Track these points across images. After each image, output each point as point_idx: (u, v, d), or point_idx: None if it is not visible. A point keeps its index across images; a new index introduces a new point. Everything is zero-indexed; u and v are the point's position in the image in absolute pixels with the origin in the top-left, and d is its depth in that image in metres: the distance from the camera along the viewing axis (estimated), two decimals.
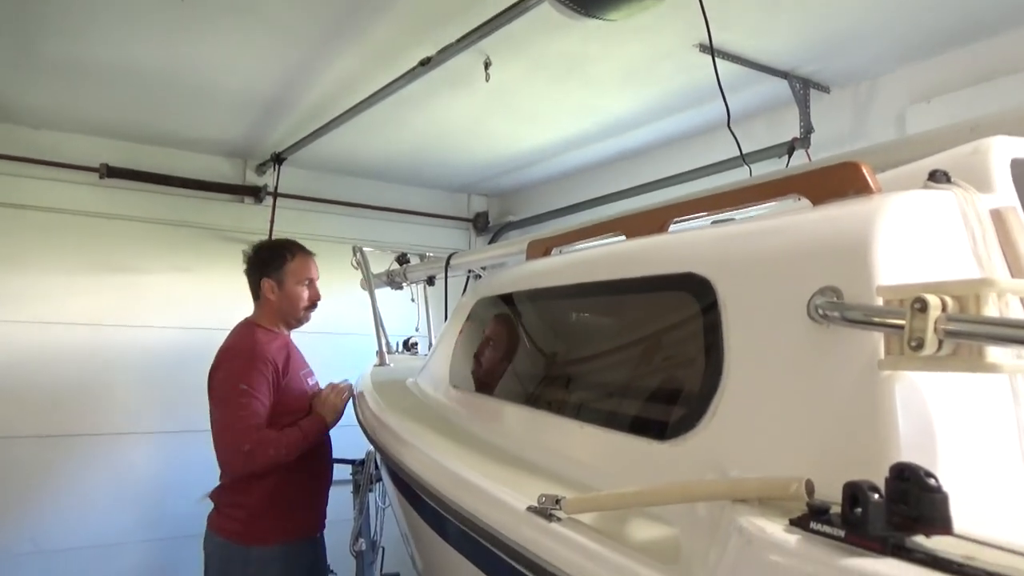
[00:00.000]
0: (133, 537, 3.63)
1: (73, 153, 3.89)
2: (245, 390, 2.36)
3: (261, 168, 4.36)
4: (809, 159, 3.03)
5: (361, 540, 3.69)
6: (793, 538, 0.87)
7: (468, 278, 3.37)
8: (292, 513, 2.50)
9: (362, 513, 3.73)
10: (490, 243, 5.10)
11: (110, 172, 3.93)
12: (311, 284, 2.70)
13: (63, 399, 3.80)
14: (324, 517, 2.67)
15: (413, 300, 3.62)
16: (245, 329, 2.59)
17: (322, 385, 2.82)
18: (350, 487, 3.91)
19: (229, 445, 2.36)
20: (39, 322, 3.77)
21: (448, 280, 3.22)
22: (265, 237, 4.30)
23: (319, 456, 2.70)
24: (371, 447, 3.44)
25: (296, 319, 2.68)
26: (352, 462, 3.87)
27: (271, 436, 2.43)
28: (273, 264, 2.64)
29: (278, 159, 4.16)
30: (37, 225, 3.82)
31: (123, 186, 4.01)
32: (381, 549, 3.73)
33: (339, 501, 4.05)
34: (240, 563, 2.40)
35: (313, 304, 2.71)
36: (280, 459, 2.43)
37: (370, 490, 3.73)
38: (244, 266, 2.71)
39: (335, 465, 3.85)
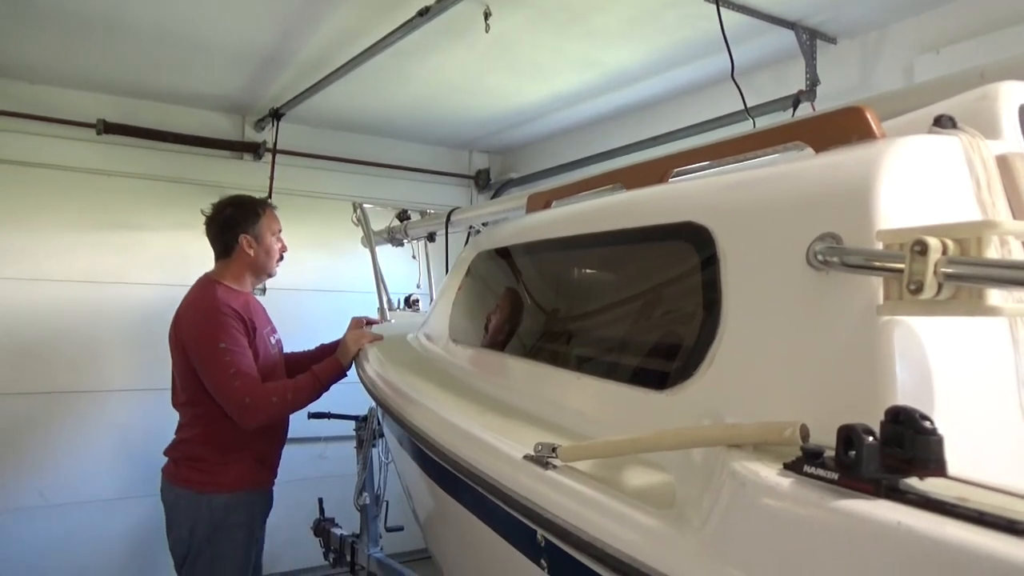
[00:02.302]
0: (135, 492, 3.68)
1: (70, 109, 3.84)
2: (225, 348, 2.37)
3: (260, 124, 4.32)
4: (815, 112, 2.98)
5: (365, 495, 3.75)
6: (786, 481, 0.88)
7: (469, 234, 3.36)
8: (247, 465, 2.53)
9: (365, 468, 3.78)
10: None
11: (107, 128, 3.89)
12: (279, 236, 2.74)
13: (64, 356, 3.82)
14: (276, 471, 2.71)
15: (414, 257, 3.61)
16: (208, 287, 2.57)
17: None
18: (353, 443, 3.96)
19: (229, 402, 2.39)
20: (38, 279, 3.76)
21: (449, 236, 3.20)
22: (264, 194, 4.28)
23: None
24: (373, 403, 3.49)
25: (269, 272, 2.73)
26: (355, 418, 3.91)
27: (271, 385, 2.45)
28: (250, 219, 2.65)
29: (276, 115, 4.11)
30: (35, 182, 3.80)
31: (121, 142, 3.97)
32: (385, 503, 3.78)
33: (343, 456, 4.11)
34: (204, 508, 2.44)
35: (281, 256, 2.75)
36: (287, 405, 2.46)
37: (373, 446, 3.77)
38: (210, 224, 2.67)
39: (339, 421, 3.92)
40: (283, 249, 2.75)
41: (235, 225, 2.63)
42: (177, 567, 2.55)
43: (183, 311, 2.56)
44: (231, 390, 2.36)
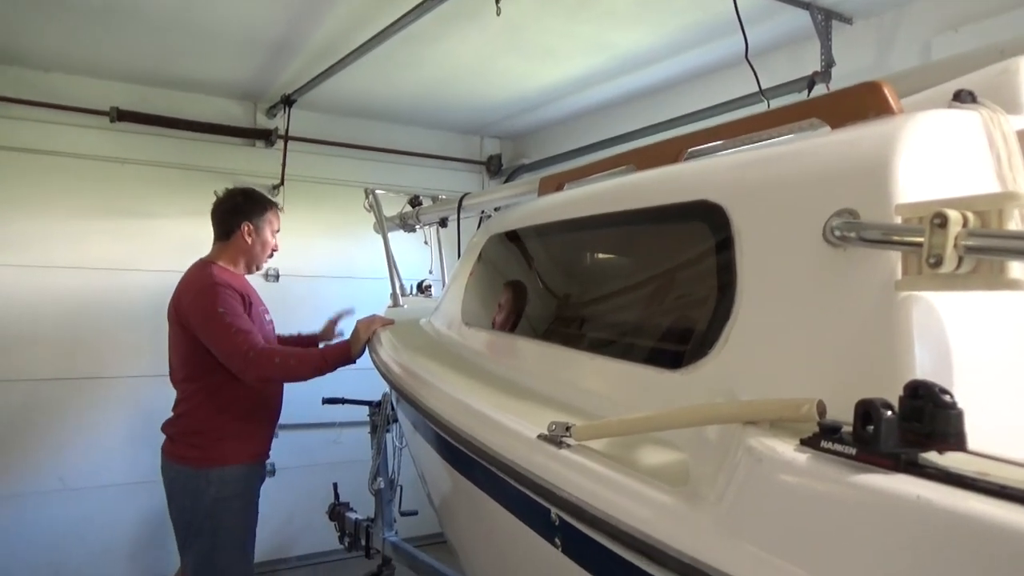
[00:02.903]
0: (153, 476, 3.68)
1: (83, 96, 3.86)
2: (223, 312, 2.48)
3: (272, 111, 4.32)
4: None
5: (379, 479, 3.77)
6: (803, 457, 0.87)
7: (481, 220, 3.35)
8: (241, 439, 2.60)
9: (380, 453, 3.80)
10: None
11: (120, 116, 3.90)
12: (276, 236, 2.87)
13: (81, 343, 3.86)
14: (269, 444, 2.79)
15: (426, 243, 3.60)
16: (205, 267, 2.68)
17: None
18: (367, 428, 3.98)
19: (233, 357, 2.47)
20: (53, 266, 3.79)
21: (461, 222, 3.19)
22: (277, 181, 4.30)
23: (268, 390, 2.78)
24: (387, 389, 3.50)
25: (258, 264, 2.82)
26: (369, 404, 3.93)
27: (276, 347, 2.56)
28: (256, 211, 2.77)
29: (288, 101, 4.11)
30: (49, 169, 3.82)
31: (134, 130, 3.99)
32: (399, 488, 3.80)
33: (357, 441, 4.14)
34: (202, 483, 2.51)
35: (272, 254, 2.87)
36: (288, 369, 2.50)
37: (387, 431, 3.79)
38: (218, 206, 2.79)
39: (353, 407, 3.94)
40: (275, 248, 2.86)
41: (241, 212, 2.74)
42: (179, 541, 2.61)
43: (182, 289, 2.66)
44: (234, 345, 2.45)
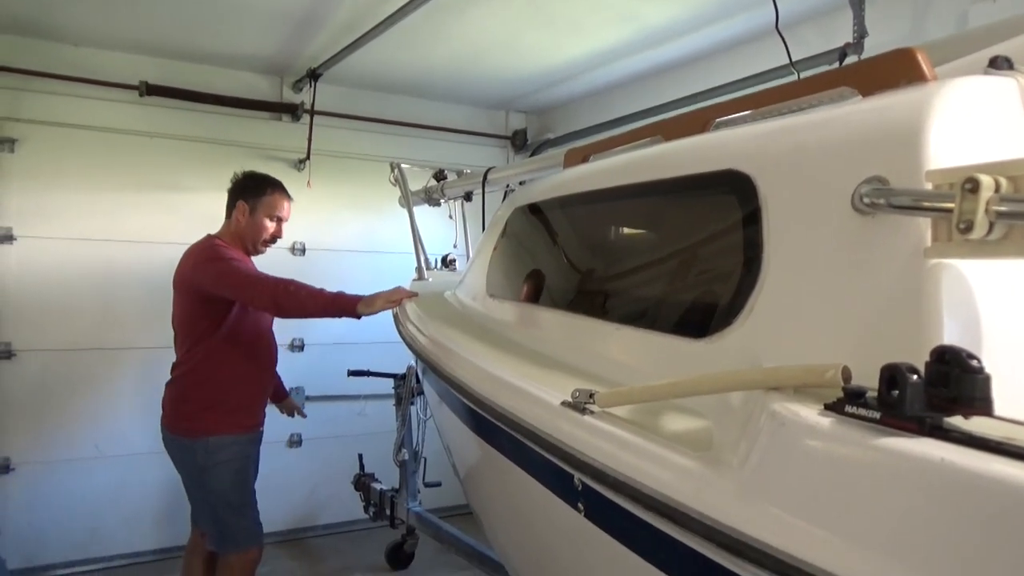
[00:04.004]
0: None
1: (113, 71, 3.90)
2: (231, 258, 2.63)
3: (298, 85, 4.33)
4: None
5: (404, 450, 3.83)
6: (827, 421, 0.87)
7: (505, 194, 3.35)
8: (226, 410, 2.67)
9: (404, 425, 3.86)
10: None
11: (149, 90, 3.94)
12: (279, 222, 2.86)
13: (114, 314, 3.93)
14: (259, 417, 2.82)
15: (451, 217, 3.61)
16: (209, 240, 2.77)
17: None
18: (392, 401, 4.03)
19: (244, 285, 2.59)
20: (86, 239, 3.86)
21: (485, 196, 3.19)
22: (303, 155, 4.33)
23: (259, 360, 2.85)
24: (412, 362, 3.53)
25: (254, 247, 2.84)
26: (394, 376, 3.98)
27: (283, 279, 2.61)
28: (253, 191, 2.80)
29: (314, 75, 4.12)
30: (80, 144, 3.87)
31: (162, 104, 4.03)
32: (423, 459, 3.86)
33: (382, 414, 4.20)
34: (192, 452, 2.62)
35: (273, 240, 2.88)
36: (299, 298, 2.55)
37: (411, 403, 3.84)
38: (230, 187, 2.87)
39: (378, 379, 3.99)
40: (276, 234, 2.86)
41: (240, 192, 2.81)
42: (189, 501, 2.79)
43: (186, 258, 2.75)
44: (246, 275, 2.60)
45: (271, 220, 2.82)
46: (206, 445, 2.60)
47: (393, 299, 2.67)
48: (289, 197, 2.90)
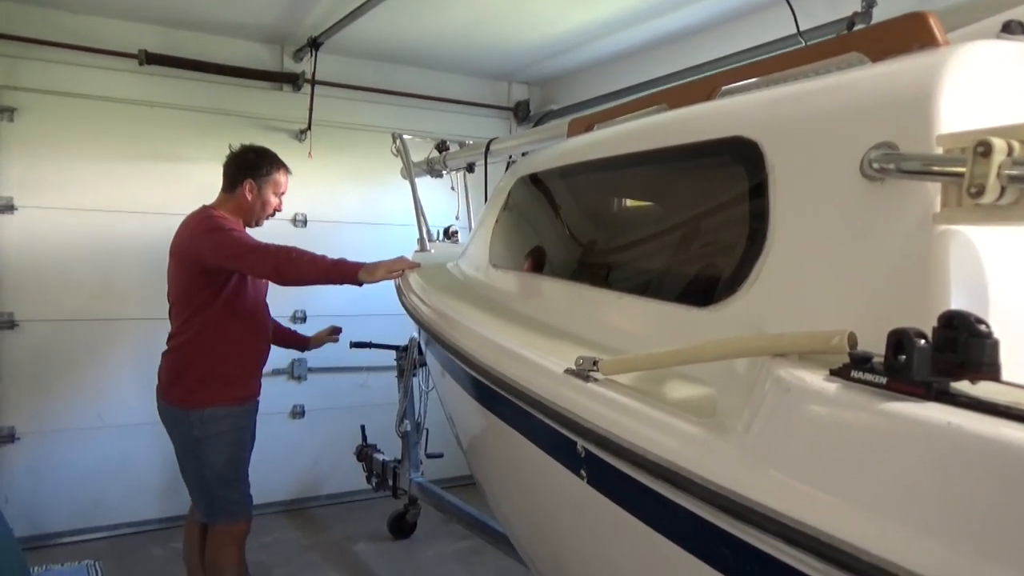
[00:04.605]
0: None
1: (112, 39, 3.85)
2: (230, 228, 2.63)
3: (298, 54, 4.28)
4: None
5: (406, 422, 3.85)
6: (833, 387, 0.87)
7: (508, 165, 3.33)
8: (224, 383, 2.67)
9: (406, 396, 3.87)
10: None
11: (149, 59, 3.90)
12: (280, 197, 2.90)
13: (114, 284, 3.93)
14: (253, 389, 2.81)
15: (453, 189, 3.59)
16: (206, 211, 2.76)
17: None
18: (394, 373, 4.05)
19: (243, 253, 2.59)
20: (84, 209, 3.84)
21: (488, 167, 3.17)
22: (304, 126, 4.29)
23: (256, 331, 2.85)
24: (414, 334, 3.54)
25: (257, 221, 2.87)
26: (396, 348, 3.99)
27: (284, 246, 2.61)
28: (261, 169, 2.81)
29: (315, 44, 4.07)
30: (80, 113, 3.84)
31: (162, 73, 3.98)
32: (425, 431, 3.88)
33: (384, 386, 4.21)
34: (196, 423, 2.62)
35: (274, 214, 2.91)
36: (301, 264, 2.55)
37: (413, 375, 3.85)
38: (230, 160, 2.85)
39: (380, 351, 4.00)
40: (277, 208, 2.89)
41: (248, 168, 2.79)
42: (181, 471, 2.78)
43: (184, 229, 2.74)
44: (245, 243, 2.60)
45: (276, 196, 2.86)
46: (201, 416, 2.61)
47: (395, 269, 2.65)
48: (289, 171, 2.92)
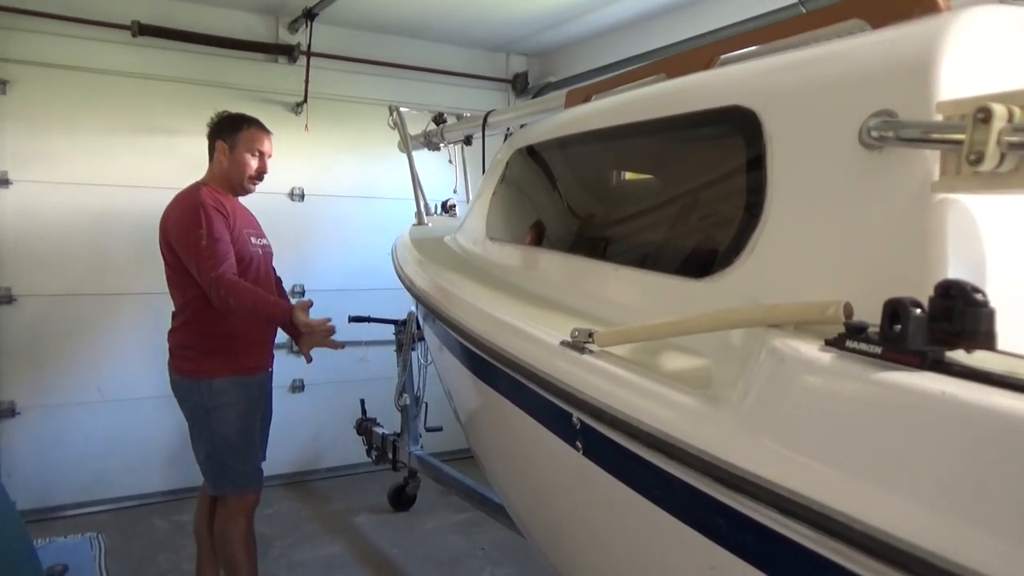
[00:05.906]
0: None
1: (104, 10, 3.80)
2: (201, 234, 2.54)
3: (293, 25, 4.23)
4: None
5: (405, 396, 3.87)
6: (827, 356, 0.86)
7: (506, 138, 3.30)
8: (228, 356, 2.67)
9: (405, 370, 3.88)
10: None
11: (142, 30, 3.84)
12: (261, 157, 2.79)
13: (110, 258, 3.91)
14: (263, 360, 2.81)
15: (450, 162, 3.57)
16: (194, 187, 2.72)
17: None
18: (393, 347, 4.05)
19: (203, 278, 2.55)
20: (78, 183, 3.82)
21: (486, 140, 3.14)
22: (300, 98, 4.25)
23: None
24: (412, 308, 3.53)
25: (241, 186, 2.78)
26: (395, 322, 3.99)
27: (240, 284, 2.55)
28: (229, 129, 2.75)
29: (310, 15, 4.02)
30: (73, 85, 3.80)
31: (156, 44, 3.93)
32: (424, 405, 3.90)
33: (384, 360, 4.22)
34: (196, 393, 2.64)
35: (260, 175, 2.81)
36: (241, 311, 2.56)
37: (412, 349, 3.86)
38: (208, 131, 2.81)
39: (379, 325, 4.00)
40: (261, 169, 2.80)
41: (217, 132, 2.76)
42: (191, 441, 2.78)
43: (170, 207, 2.71)
44: (200, 269, 2.53)
45: (253, 155, 2.75)
46: (211, 387, 2.62)
47: (314, 345, 2.77)
48: (268, 131, 2.83)
